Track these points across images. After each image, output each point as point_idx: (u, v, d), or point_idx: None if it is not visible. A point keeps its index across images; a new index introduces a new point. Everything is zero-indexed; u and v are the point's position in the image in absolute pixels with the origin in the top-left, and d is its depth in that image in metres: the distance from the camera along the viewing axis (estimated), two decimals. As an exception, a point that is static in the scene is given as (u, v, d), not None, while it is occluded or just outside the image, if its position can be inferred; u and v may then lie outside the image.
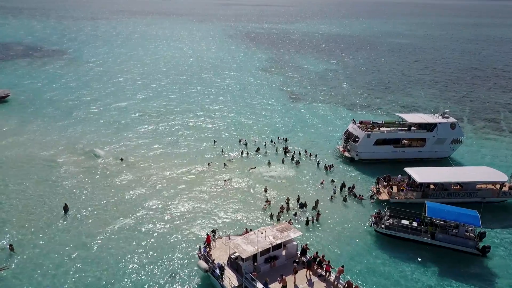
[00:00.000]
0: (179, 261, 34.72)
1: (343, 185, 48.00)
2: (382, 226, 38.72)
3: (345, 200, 45.39)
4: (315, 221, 40.92)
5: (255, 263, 29.45)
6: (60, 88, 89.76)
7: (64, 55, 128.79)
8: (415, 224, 38.64)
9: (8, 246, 35.09)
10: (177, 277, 32.85)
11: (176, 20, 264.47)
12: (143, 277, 32.74)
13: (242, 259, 29.18)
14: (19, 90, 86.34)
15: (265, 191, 46.69)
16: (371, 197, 46.22)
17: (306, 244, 31.77)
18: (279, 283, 27.66)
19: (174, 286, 31.90)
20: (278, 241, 29.81)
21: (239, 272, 29.18)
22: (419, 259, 36.08)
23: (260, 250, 28.81)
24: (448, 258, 36.31)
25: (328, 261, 29.45)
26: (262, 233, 30.14)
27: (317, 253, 30.53)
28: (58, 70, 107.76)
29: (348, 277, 31.34)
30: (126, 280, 32.37)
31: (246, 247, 28.69)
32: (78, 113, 73.50)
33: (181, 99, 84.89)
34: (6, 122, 67.69)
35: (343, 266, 28.83)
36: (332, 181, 49.87)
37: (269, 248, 29.54)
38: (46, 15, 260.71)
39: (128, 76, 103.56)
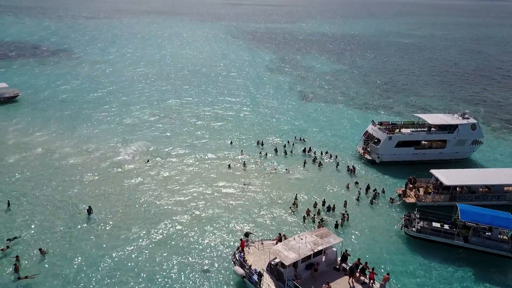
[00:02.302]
0: (211, 266, 34.24)
1: (367, 188, 47.56)
2: (413, 229, 38.27)
3: (371, 202, 44.96)
4: (345, 222, 40.46)
5: (296, 270, 28.94)
6: (70, 88, 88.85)
7: (72, 54, 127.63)
8: (446, 227, 38.20)
9: (38, 250, 34.44)
10: (211, 282, 32.30)
11: (183, 19, 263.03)
12: (175, 285, 32.15)
13: (283, 266, 28.67)
14: (28, 89, 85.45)
15: (290, 194, 46.16)
16: (392, 199, 45.71)
17: (346, 250, 31.27)
18: (324, 291, 27.19)
19: (209, 292, 31.40)
20: (320, 248, 29.33)
21: (280, 279, 28.67)
22: (453, 263, 35.72)
23: (302, 256, 28.29)
24: (482, 262, 35.96)
25: (373, 268, 28.95)
26: (302, 239, 29.63)
27: (359, 259, 30.05)
28: (67, 69, 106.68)
29: (398, 285, 30.82)
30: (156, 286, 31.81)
31: (288, 254, 28.19)
32: (92, 113, 72.64)
33: (193, 100, 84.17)
34: (18, 122, 66.93)
35: (388, 274, 28.35)
36: (356, 183, 49.46)
37: (310, 254, 29.02)
38: (52, 14, 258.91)
39: (139, 77, 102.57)
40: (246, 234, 34.49)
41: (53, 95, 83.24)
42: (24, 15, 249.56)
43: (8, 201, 42.05)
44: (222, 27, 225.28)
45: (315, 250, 29.09)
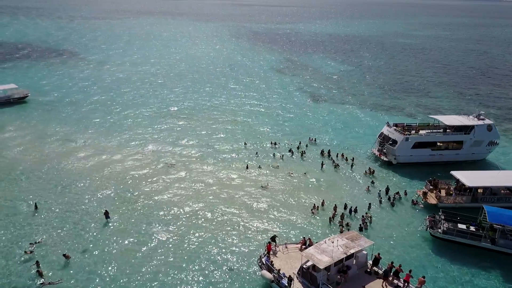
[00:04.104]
0: (235, 268, 33.84)
1: (387, 189, 47.24)
2: (439, 230, 37.94)
3: (392, 204, 44.63)
4: (368, 225, 40.14)
5: (328, 273, 28.61)
6: (79, 89, 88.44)
7: (78, 55, 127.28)
8: (472, 228, 37.86)
9: (62, 255, 34.02)
10: (236, 284, 31.94)
11: (187, 20, 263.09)
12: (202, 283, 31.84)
13: (316, 269, 28.34)
14: (37, 90, 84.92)
15: (310, 196, 45.82)
16: (415, 201, 45.43)
17: (379, 253, 30.91)
18: (360, 294, 26.84)
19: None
20: (352, 251, 28.99)
21: (313, 283, 28.29)
22: (481, 265, 35.34)
23: (335, 260, 27.95)
24: (510, 264, 35.59)
25: (410, 271, 28.54)
26: (333, 242, 29.28)
27: (392, 263, 29.68)
28: (74, 70, 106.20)
29: None
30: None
31: (321, 257, 27.83)
32: (103, 115, 72.21)
33: (203, 101, 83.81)
34: (29, 124, 66.58)
35: (424, 277, 28.01)
36: (372, 182, 49.27)
37: (343, 258, 28.68)
38: (58, 15, 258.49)
39: (148, 78, 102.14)
40: (273, 238, 34.09)
41: (62, 96, 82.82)
42: (29, 15, 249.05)
43: (36, 203, 41.59)
44: (226, 27, 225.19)
45: (348, 254, 28.75)
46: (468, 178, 44.08)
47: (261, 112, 77.67)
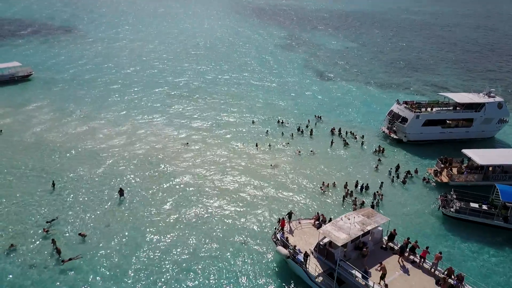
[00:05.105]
0: (249, 243, 34.28)
1: (397, 167, 47.23)
2: (451, 209, 38.12)
3: (403, 182, 44.72)
4: (379, 203, 40.34)
5: (345, 250, 28.88)
6: (84, 67, 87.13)
7: (81, 32, 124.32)
8: (484, 207, 38.03)
9: (78, 234, 34.30)
10: (250, 261, 32.39)
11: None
12: (217, 262, 32.32)
13: (333, 246, 28.59)
14: (40, 68, 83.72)
15: (320, 174, 45.92)
16: (427, 179, 45.54)
17: (394, 230, 31.11)
18: (379, 270, 27.11)
19: (250, 272, 31.38)
20: (368, 227, 29.16)
21: (330, 259, 28.59)
22: (494, 243, 35.67)
23: (353, 237, 28.15)
24: (522, 242, 36.00)
25: (427, 247, 28.76)
26: (349, 219, 29.41)
27: (408, 239, 29.87)
28: (77, 48, 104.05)
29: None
30: (200, 266, 31.88)
31: (339, 234, 28.01)
32: (112, 93, 71.25)
33: (210, 77, 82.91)
34: (35, 101, 65.79)
35: (440, 253, 28.19)
36: (379, 160, 49.47)
37: (360, 235, 28.89)
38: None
39: (154, 55, 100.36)
40: (289, 215, 34.24)
41: (66, 74, 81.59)
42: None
43: (53, 181, 41.64)
44: (230, 3, 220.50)
45: (365, 230, 28.94)
46: (480, 156, 43.95)
47: (269, 89, 77.03)
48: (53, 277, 30.14)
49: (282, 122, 60.24)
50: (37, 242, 33.57)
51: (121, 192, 40.32)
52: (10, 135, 53.45)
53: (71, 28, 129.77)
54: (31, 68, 79.39)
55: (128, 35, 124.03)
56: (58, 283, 29.61)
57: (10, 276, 30.14)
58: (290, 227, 33.42)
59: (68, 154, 48.87)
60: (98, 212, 37.93)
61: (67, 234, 34.63)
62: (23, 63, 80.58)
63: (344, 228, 28.59)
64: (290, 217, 34.07)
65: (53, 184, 41.26)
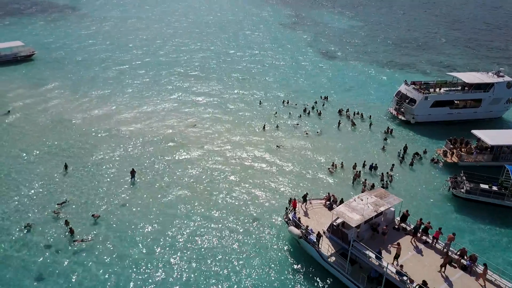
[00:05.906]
0: (262, 225, 34.55)
1: (405, 148, 47.14)
2: (462, 190, 38.21)
3: (412, 164, 44.71)
4: (389, 184, 40.45)
5: (358, 230, 29.07)
6: (86, 48, 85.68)
7: (83, 11, 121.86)
8: (494, 188, 38.11)
9: (91, 215, 34.48)
10: (262, 241, 32.73)
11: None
12: (230, 242, 32.66)
13: (346, 227, 28.77)
14: (43, 48, 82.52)
15: (327, 155, 45.93)
16: (436, 160, 45.54)
17: (407, 210, 31.23)
18: (396, 247, 27.25)
19: (262, 251, 31.70)
20: (382, 208, 29.28)
21: (344, 240, 28.81)
22: (505, 223, 35.89)
23: (366, 218, 28.30)
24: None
25: (440, 228, 28.93)
26: (362, 200, 29.50)
27: (421, 219, 30.00)
28: (79, 27, 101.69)
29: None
30: (212, 247, 32.17)
31: (352, 215, 28.14)
32: (119, 75, 70.39)
33: (211, 61, 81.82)
34: (41, 81, 65.26)
35: (454, 234, 28.35)
36: (385, 139, 49.58)
37: (373, 215, 29.04)
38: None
39: (160, 35, 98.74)
40: (304, 197, 34.22)
41: (69, 54, 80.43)
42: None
43: (66, 163, 41.58)
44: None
45: (378, 211, 29.06)
46: (490, 136, 43.86)
47: (273, 69, 76.26)
48: (65, 257, 30.40)
49: (288, 102, 59.88)
50: (51, 223, 33.77)
51: (132, 173, 40.32)
52: (24, 116, 53.29)
53: (76, 7, 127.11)
54: (33, 48, 78.36)
55: (135, 13, 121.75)
56: (70, 263, 29.88)
57: (26, 253, 30.62)
58: (303, 208, 33.58)
59: (81, 136, 48.68)
60: (110, 193, 38.07)
61: (80, 215, 34.78)
62: (27, 42, 79.58)
63: (358, 209, 28.70)
64: (305, 200, 34.12)
65: (66, 166, 41.21)
